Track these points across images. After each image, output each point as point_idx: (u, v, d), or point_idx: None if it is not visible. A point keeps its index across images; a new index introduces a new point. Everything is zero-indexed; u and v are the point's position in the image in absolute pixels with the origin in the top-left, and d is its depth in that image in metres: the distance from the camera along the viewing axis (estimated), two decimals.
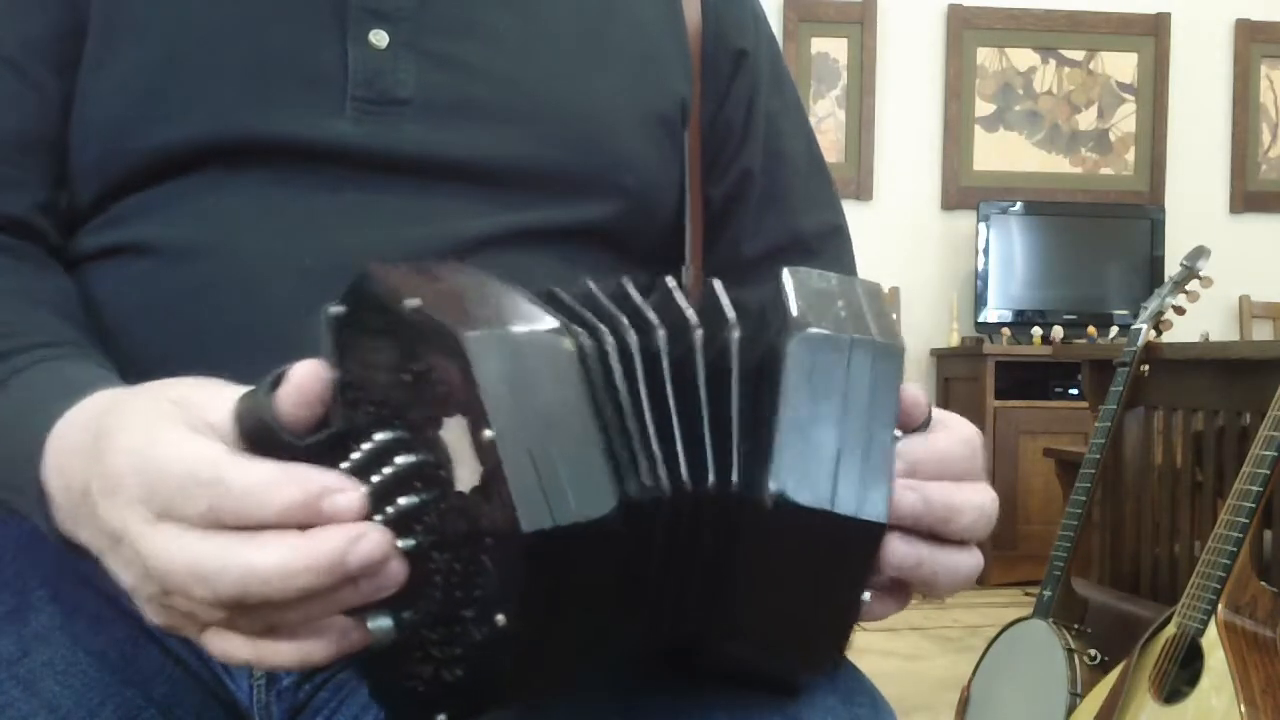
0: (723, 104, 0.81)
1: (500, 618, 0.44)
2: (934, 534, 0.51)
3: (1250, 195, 4.77)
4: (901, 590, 0.53)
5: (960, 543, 0.52)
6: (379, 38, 0.69)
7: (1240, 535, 1.63)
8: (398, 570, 0.46)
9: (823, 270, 0.53)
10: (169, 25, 0.69)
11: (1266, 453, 1.64)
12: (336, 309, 0.48)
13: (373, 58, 0.69)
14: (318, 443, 0.47)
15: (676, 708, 0.57)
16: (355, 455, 0.46)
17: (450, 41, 0.71)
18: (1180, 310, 2.20)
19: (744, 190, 0.82)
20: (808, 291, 0.51)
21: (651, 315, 0.51)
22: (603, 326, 0.49)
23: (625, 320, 0.50)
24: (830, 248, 0.85)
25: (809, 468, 0.48)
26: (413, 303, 0.45)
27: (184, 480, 0.45)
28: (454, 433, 0.44)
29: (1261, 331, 4.56)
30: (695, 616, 0.51)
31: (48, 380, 0.58)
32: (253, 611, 0.45)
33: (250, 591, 0.44)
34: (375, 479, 0.45)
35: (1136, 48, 4.72)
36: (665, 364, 0.49)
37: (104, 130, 0.68)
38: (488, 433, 0.42)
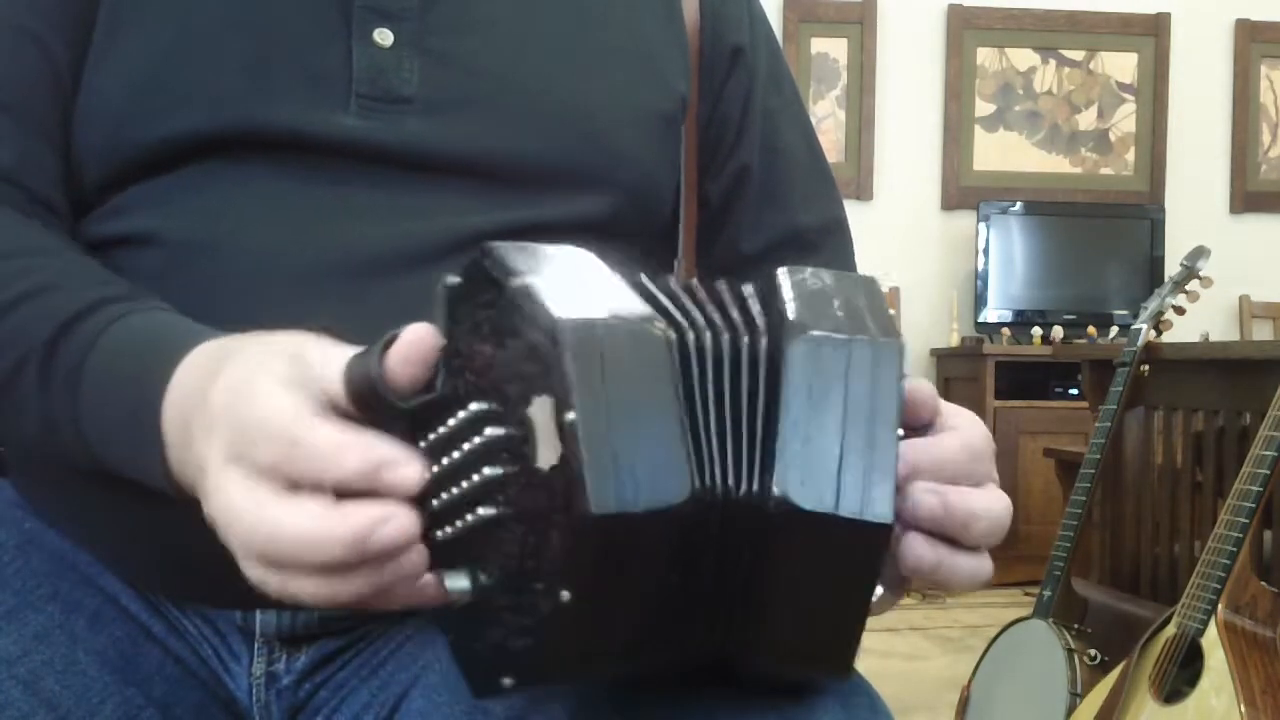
0: (718, 101, 0.81)
1: (565, 593, 0.45)
2: (952, 539, 0.52)
3: (1250, 195, 4.77)
4: (902, 585, 0.53)
5: (974, 548, 0.53)
6: (384, 36, 0.70)
7: (1240, 535, 1.63)
8: (418, 561, 0.46)
9: (816, 268, 0.53)
10: (173, 17, 0.69)
11: (1266, 453, 1.64)
12: (453, 279, 0.50)
13: (377, 56, 0.69)
14: (419, 405, 0.48)
15: (676, 707, 0.57)
16: (451, 422, 0.48)
17: (453, 40, 0.71)
18: (1180, 310, 2.20)
19: (742, 187, 0.83)
20: (804, 292, 0.52)
21: (736, 314, 0.51)
22: (685, 322, 0.50)
23: (701, 318, 0.51)
24: (831, 243, 0.85)
25: (812, 471, 0.48)
26: (518, 282, 0.46)
27: (261, 429, 0.46)
28: (541, 411, 0.45)
29: (1261, 331, 4.56)
30: (740, 625, 0.51)
31: (160, 326, 0.59)
32: (284, 568, 0.46)
33: (274, 550, 0.45)
34: (466, 446, 0.47)
35: (1136, 48, 4.72)
36: (726, 366, 0.50)
37: (107, 120, 0.68)
38: (570, 415, 0.44)
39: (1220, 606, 1.62)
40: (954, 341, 4.47)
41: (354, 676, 0.68)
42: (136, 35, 0.69)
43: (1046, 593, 2.11)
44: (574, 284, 0.47)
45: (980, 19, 4.65)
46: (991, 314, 4.48)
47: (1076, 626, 2.07)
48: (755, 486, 0.49)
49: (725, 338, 0.50)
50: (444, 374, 0.49)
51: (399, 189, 0.69)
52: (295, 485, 0.45)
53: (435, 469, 0.48)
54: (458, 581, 0.48)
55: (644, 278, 0.52)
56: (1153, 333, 2.18)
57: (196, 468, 0.50)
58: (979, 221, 4.48)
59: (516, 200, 0.71)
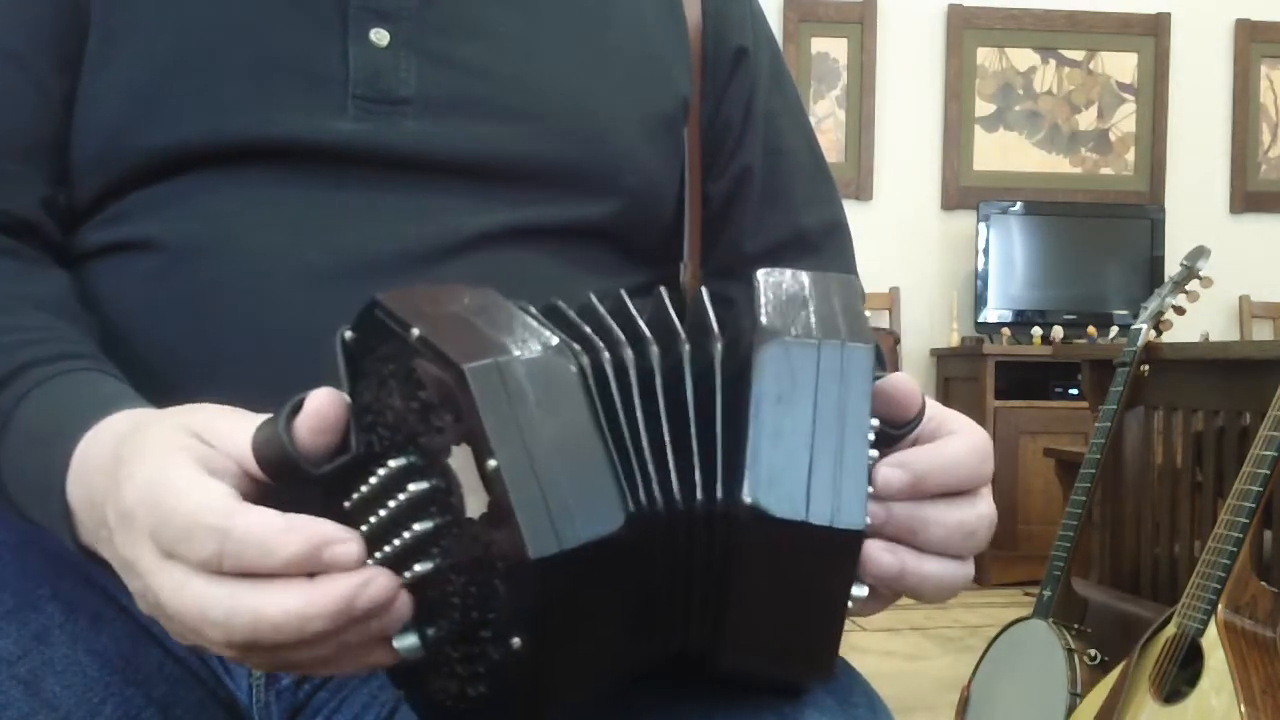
0: (721, 102, 0.81)
1: (516, 640, 0.45)
2: (909, 544, 0.52)
3: (1250, 195, 4.77)
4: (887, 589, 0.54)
5: (945, 555, 0.53)
6: (380, 36, 0.70)
7: (1240, 535, 1.63)
8: (404, 607, 0.47)
9: (795, 270, 0.53)
10: (170, 26, 0.69)
11: (1266, 453, 1.63)
12: (349, 333, 0.49)
13: (374, 56, 0.69)
14: (335, 469, 0.48)
15: (674, 708, 0.57)
16: (372, 480, 0.47)
17: (451, 40, 0.71)
18: (1180, 310, 2.20)
19: (744, 188, 0.83)
20: (778, 296, 0.51)
21: (644, 329, 0.51)
22: (601, 342, 0.50)
23: (622, 335, 0.50)
24: (832, 244, 0.85)
25: (782, 478, 0.48)
26: (416, 331, 0.46)
27: (190, 524, 0.45)
28: (461, 460, 0.44)
29: (1261, 331, 4.56)
30: (697, 631, 0.51)
31: (73, 393, 0.59)
32: (265, 651, 0.46)
33: (262, 637, 0.45)
34: (392, 503, 0.46)
35: (1136, 48, 4.72)
36: (658, 379, 0.50)
37: (104, 129, 0.68)
38: (491, 462, 0.43)
39: (1220, 606, 1.62)
40: (954, 341, 4.47)
41: (354, 677, 0.68)
42: (133, 44, 0.69)
43: (1046, 593, 2.11)
44: (472, 325, 0.47)
45: (980, 19, 4.64)
46: (991, 314, 4.48)
47: (1076, 626, 2.07)
48: (719, 495, 0.48)
49: (653, 351, 0.50)
50: (357, 431, 0.48)
51: (398, 191, 0.69)
52: (242, 575, 0.45)
53: (365, 528, 0.47)
54: (406, 640, 0.47)
55: (559, 304, 0.52)
56: (1153, 333, 2.18)
57: (123, 565, 0.50)
58: (979, 221, 4.48)
59: (517, 202, 0.71)
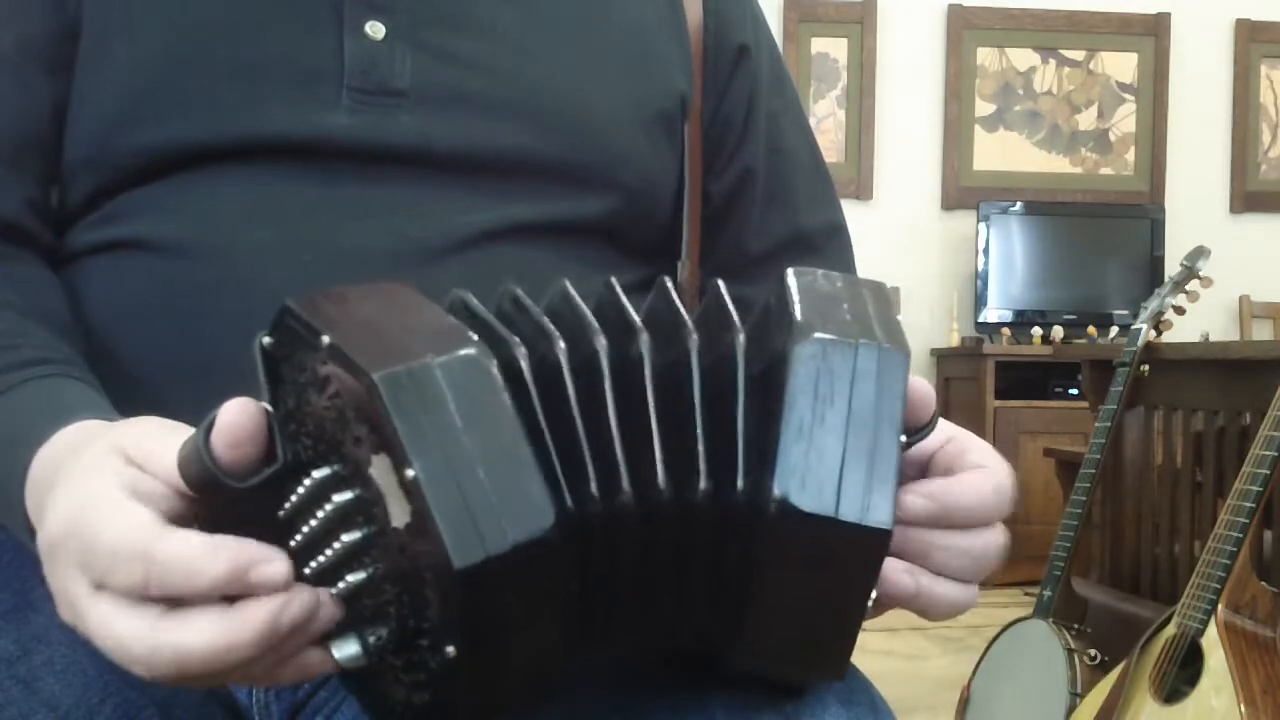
0: (722, 100, 0.81)
1: (450, 649, 0.44)
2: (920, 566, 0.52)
3: (1250, 195, 4.76)
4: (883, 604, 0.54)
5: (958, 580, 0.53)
6: (375, 29, 0.69)
7: (1240, 535, 1.63)
8: (330, 613, 0.46)
9: (827, 270, 0.53)
10: (163, 24, 0.69)
11: (1266, 453, 1.63)
12: (267, 339, 0.47)
13: (369, 49, 0.69)
14: (262, 482, 0.46)
15: (675, 707, 0.57)
16: (301, 490, 0.46)
17: (447, 34, 0.71)
18: (1180, 310, 2.20)
19: (746, 187, 0.83)
20: (812, 294, 0.51)
21: (635, 319, 0.50)
22: (558, 335, 0.48)
23: (596, 325, 0.49)
24: (832, 246, 0.86)
25: (813, 474, 0.47)
26: (326, 339, 0.44)
27: (114, 553, 0.45)
28: (381, 470, 0.43)
29: (1261, 331, 4.56)
30: (707, 626, 0.51)
31: (37, 401, 0.59)
32: (196, 678, 0.45)
33: (188, 669, 0.44)
34: (321, 514, 0.45)
35: (1136, 48, 4.72)
36: (647, 370, 0.49)
37: (97, 128, 0.68)
38: (409, 472, 0.42)
39: (1220, 606, 1.62)
40: (954, 341, 4.47)
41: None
42: (125, 43, 0.69)
43: (1046, 593, 2.11)
44: (386, 328, 0.45)
45: (980, 19, 4.64)
46: (991, 314, 4.48)
47: (1076, 626, 2.07)
48: (739, 486, 0.48)
49: (642, 340, 0.49)
50: (283, 440, 0.47)
51: (394, 186, 0.69)
52: (169, 599, 0.44)
53: (300, 537, 0.46)
54: (346, 649, 0.46)
55: (519, 295, 0.51)
56: (1153, 333, 2.18)
57: (56, 593, 0.49)
58: (979, 221, 4.48)
59: (514, 198, 0.71)
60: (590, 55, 0.75)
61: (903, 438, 0.49)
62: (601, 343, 0.49)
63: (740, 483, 0.48)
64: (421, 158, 0.69)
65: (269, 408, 0.47)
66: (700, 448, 0.49)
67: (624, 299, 0.52)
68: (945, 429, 0.56)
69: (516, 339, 0.48)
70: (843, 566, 0.49)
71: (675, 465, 0.48)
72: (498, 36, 0.72)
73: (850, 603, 0.50)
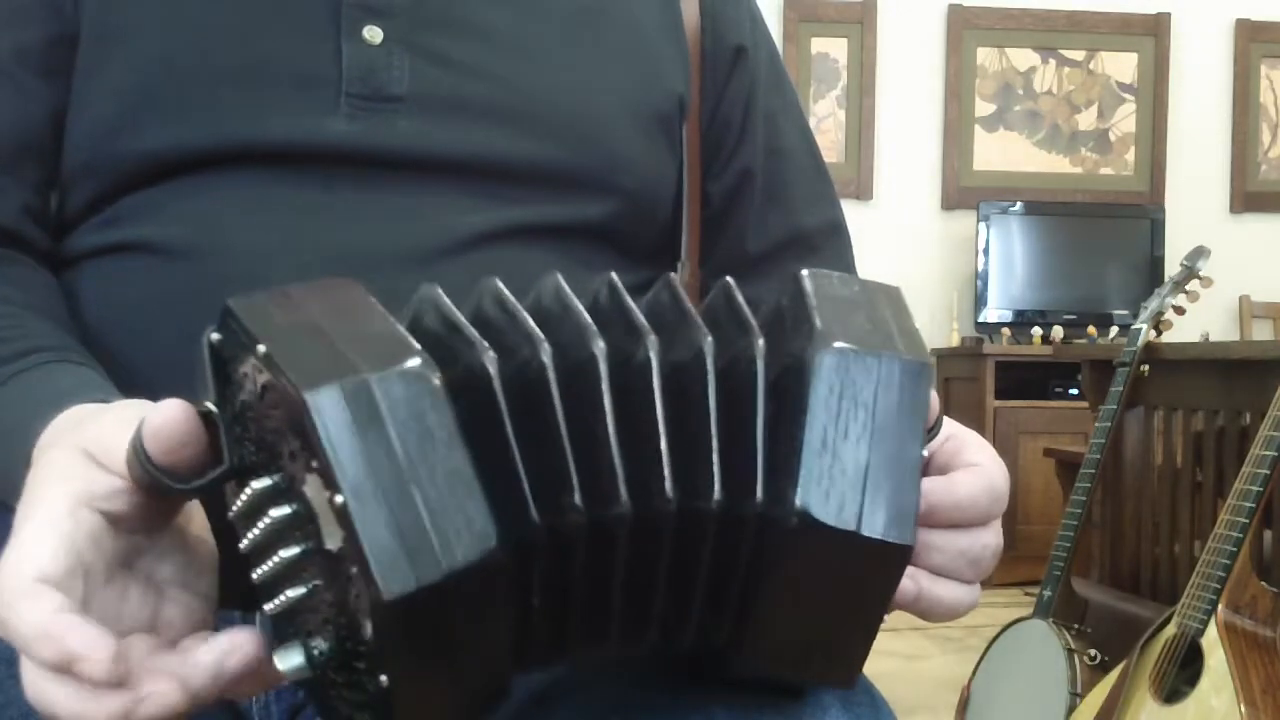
0: (720, 100, 0.81)
1: (383, 678, 0.42)
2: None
3: (1250, 195, 4.76)
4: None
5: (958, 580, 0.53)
6: (373, 34, 0.70)
7: (1240, 535, 1.63)
8: (243, 657, 0.45)
9: (842, 274, 0.51)
10: (162, 30, 0.69)
11: (1266, 453, 1.63)
12: (214, 336, 0.45)
13: (367, 54, 0.69)
14: (207, 484, 0.45)
15: (675, 707, 0.57)
16: (244, 497, 0.44)
17: (445, 38, 0.71)
18: (1180, 310, 2.20)
19: (745, 187, 0.83)
20: (830, 300, 0.49)
21: (640, 320, 0.48)
22: (543, 338, 0.46)
23: (594, 327, 0.47)
24: (832, 245, 0.86)
25: (836, 487, 0.46)
26: (262, 348, 0.42)
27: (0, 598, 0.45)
28: (315, 491, 0.41)
29: (1261, 331, 4.56)
30: (706, 628, 0.50)
31: (33, 390, 0.59)
32: None
33: (51, 716, 0.44)
34: (262, 524, 0.44)
35: (1136, 48, 4.71)
36: (655, 373, 0.47)
37: (97, 132, 0.69)
38: (338, 499, 0.40)
39: (1220, 606, 1.62)
40: (954, 341, 4.47)
41: None
42: (125, 47, 0.69)
43: (1046, 593, 2.11)
44: (326, 336, 0.43)
45: (980, 19, 4.64)
46: (991, 314, 4.48)
47: (1076, 626, 2.07)
48: (759, 497, 0.47)
49: (650, 341, 0.47)
50: (229, 442, 0.45)
51: (392, 190, 0.69)
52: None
53: (247, 541, 0.45)
54: (291, 659, 0.44)
55: (501, 291, 0.49)
56: (1153, 333, 2.18)
57: None
58: (979, 221, 4.48)
59: (512, 201, 0.71)
60: (587, 58, 0.75)
61: (925, 452, 0.48)
62: (600, 346, 0.46)
63: (760, 494, 0.47)
64: (420, 162, 0.69)
65: (213, 408, 0.45)
66: (715, 457, 0.47)
67: (628, 299, 0.50)
68: (945, 427, 0.56)
69: (486, 344, 0.45)
70: (861, 580, 0.48)
71: (685, 475, 0.47)
72: (495, 40, 0.72)
73: (866, 615, 0.49)
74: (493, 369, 0.45)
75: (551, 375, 0.46)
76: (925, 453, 0.49)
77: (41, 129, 0.70)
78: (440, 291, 0.49)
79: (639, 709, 0.57)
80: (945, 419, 0.55)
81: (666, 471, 0.46)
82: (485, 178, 0.70)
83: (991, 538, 0.54)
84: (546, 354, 0.46)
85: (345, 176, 0.68)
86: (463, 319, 0.47)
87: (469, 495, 0.42)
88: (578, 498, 0.45)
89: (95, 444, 0.48)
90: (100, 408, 0.53)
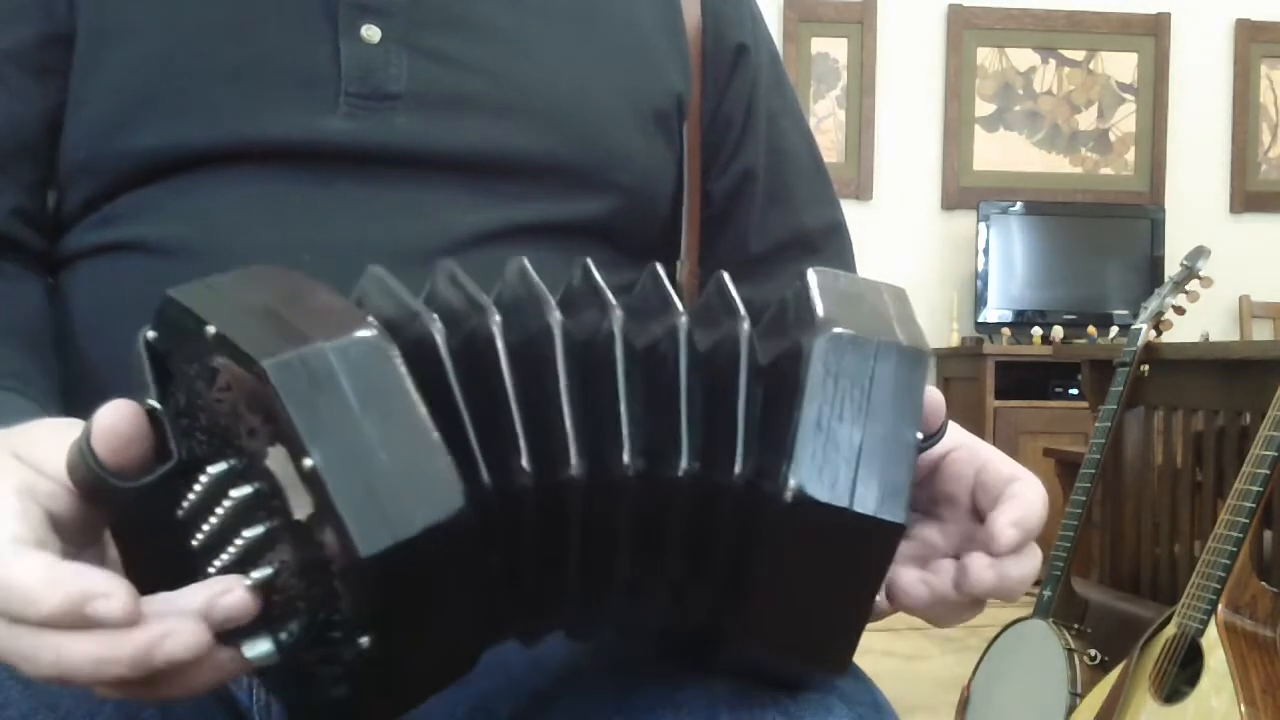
0: (722, 99, 0.81)
1: (364, 639, 0.43)
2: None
3: (1250, 195, 4.76)
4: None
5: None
6: (371, 32, 0.70)
7: (1240, 535, 1.63)
8: (242, 605, 0.44)
9: (849, 275, 0.53)
10: (159, 28, 0.69)
11: (1266, 453, 1.63)
12: (150, 334, 0.46)
13: (365, 52, 0.69)
14: (156, 481, 0.45)
15: (678, 706, 0.57)
16: (198, 487, 0.44)
17: (442, 36, 0.71)
18: (1180, 310, 2.20)
19: (746, 187, 0.83)
20: (833, 293, 0.51)
21: (610, 298, 0.49)
22: (494, 311, 0.47)
23: (553, 302, 0.48)
24: (832, 245, 0.86)
25: (829, 465, 0.47)
26: (212, 329, 0.43)
27: None
28: (279, 462, 0.42)
29: (1261, 331, 4.56)
30: (695, 604, 0.51)
31: None
32: (78, 687, 0.44)
33: (67, 678, 0.43)
34: (220, 510, 0.44)
35: (1136, 48, 4.72)
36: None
37: (94, 131, 0.69)
38: (307, 461, 0.40)
39: (1220, 606, 1.62)
40: (954, 341, 4.47)
41: None
42: (122, 46, 0.69)
43: (1046, 593, 2.11)
44: (276, 314, 0.44)
45: (980, 19, 4.64)
46: (991, 314, 4.48)
47: (1076, 626, 2.07)
48: (737, 470, 0.48)
49: (615, 316, 0.49)
50: (176, 437, 0.45)
51: (391, 188, 0.69)
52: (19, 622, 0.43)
53: (201, 536, 0.45)
54: (258, 647, 0.44)
55: (455, 274, 0.50)
56: (1153, 333, 2.18)
57: None
58: (979, 221, 4.48)
59: (511, 199, 0.71)
60: (586, 55, 0.75)
61: (919, 435, 0.49)
62: (556, 317, 0.48)
63: (739, 466, 0.48)
64: (419, 159, 0.69)
65: (156, 405, 0.46)
66: (683, 428, 0.48)
67: (599, 279, 0.51)
68: (953, 434, 0.56)
69: (434, 315, 0.47)
70: (853, 558, 0.49)
71: (648, 443, 0.48)
72: (493, 37, 0.73)
73: (858, 595, 0.50)
74: (439, 338, 0.46)
75: (500, 343, 0.47)
76: (919, 435, 0.49)
77: (35, 129, 0.70)
78: (385, 271, 0.50)
79: (641, 709, 0.57)
80: (954, 424, 0.56)
81: (625, 439, 0.47)
82: (484, 174, 0.70)
83: (1027, 566, 0.54)
84: (495, 323, 0.47)
85: (344, 175, 0.68)
86: (408, 293, 0.48)
87: (433, 456, 0.42)
88: (525, 461, 0.46)
89: (27, 451, 0.48)
90: (19, 426, 0.51)
